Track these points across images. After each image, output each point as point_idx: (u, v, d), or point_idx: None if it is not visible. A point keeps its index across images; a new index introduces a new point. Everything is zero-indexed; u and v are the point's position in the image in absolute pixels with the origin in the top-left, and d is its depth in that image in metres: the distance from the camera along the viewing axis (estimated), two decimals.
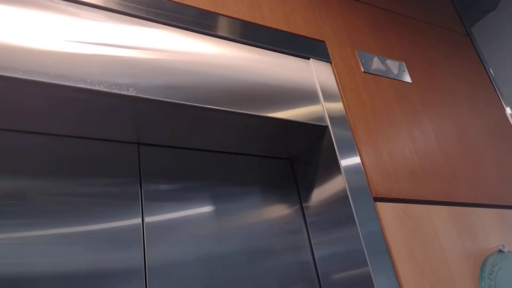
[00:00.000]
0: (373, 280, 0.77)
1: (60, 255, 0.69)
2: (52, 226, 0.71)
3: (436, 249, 0.90)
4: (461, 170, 1.09)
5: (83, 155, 0.80)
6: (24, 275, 0.66)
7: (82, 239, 0.72)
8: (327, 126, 0.93)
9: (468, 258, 0.93)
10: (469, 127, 1.22)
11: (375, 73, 1.12)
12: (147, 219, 0.79)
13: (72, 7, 0.75)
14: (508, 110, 1.38)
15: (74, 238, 0.72)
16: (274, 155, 1.03)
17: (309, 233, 0.97)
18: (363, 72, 1.10)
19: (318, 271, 0.93)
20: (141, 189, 0.82)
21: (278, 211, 0.97)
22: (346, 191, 0.86)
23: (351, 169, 0.90)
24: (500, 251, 0.98)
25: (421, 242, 0.89)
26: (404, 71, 1.19)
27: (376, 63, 1.13)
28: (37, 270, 0.67)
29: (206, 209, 0.88)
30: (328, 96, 0.98)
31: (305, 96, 0.95)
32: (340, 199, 0.88)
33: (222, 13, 0.95)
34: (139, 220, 0.78)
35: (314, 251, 0.95)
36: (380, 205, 0.88)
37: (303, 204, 1.00)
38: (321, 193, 0.95)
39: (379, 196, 0.89)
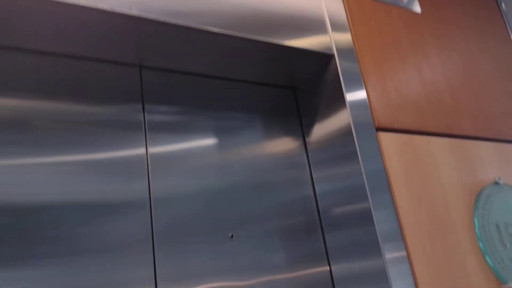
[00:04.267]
0: (372, 212, 0.80)
1: (63, 184, 0.70)
2: (55, 154, 0.71)
3: (434, 179, 0.91)
4: (465, 104, 1.08)
5: (84, 78, 0.78)
6: (27, 204, 0.66)
7: (86, 168, 0.72)
8: (332, 55, 0.91)
9: (465, 189, 0.95)
10: (476, 61, 1.20)
11: (384, 1, 1.07)
12: (151, 150, 0.79)
13: None
14: None
15: (78, 167, 0.72)
16: (278, 82, 1.02)
17: (311, 168, 0.98)
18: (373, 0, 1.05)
19: (319, 205, 0.95)
20: (145, 118, 0.81)
21: (281, 145, 0.97)
22: (350, 126, 0.86)
23: (357, 103, 0.88)
24: (496, 183, 1.00)
25: (421, 172, 0.90)
26: (414, 0, 1.14)
27: None
28: (40, 199, 0.67)
29: (209, 141, 0.88)
30: (336, 26, 0.95)
31: (313, 24, 0.92)
32: (344, 134, 0.88)
33: None
34: (143, 150, 0.79)
35: (315, 186, 0.97)
36: (382, 135, 0.88)
37: (306, 139, 1.00)
38: (324, 127, 0.95)
39: (381, 126, 0.90)
